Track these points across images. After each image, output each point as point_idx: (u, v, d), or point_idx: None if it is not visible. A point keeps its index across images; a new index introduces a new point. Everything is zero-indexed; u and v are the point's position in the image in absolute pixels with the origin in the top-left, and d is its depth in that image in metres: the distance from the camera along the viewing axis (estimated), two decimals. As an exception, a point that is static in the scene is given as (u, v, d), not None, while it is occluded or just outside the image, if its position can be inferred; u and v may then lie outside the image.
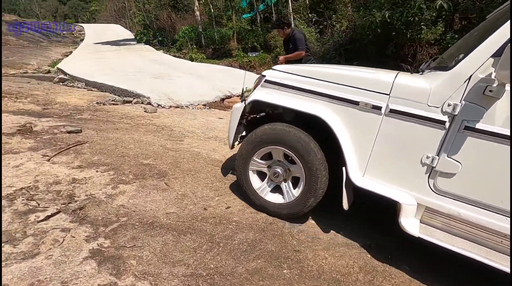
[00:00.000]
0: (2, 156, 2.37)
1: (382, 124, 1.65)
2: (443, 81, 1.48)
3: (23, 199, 1.85)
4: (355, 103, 1.70)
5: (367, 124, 1.69)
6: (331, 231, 2.01)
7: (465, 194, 1.53)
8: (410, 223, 1.63)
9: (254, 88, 2.14)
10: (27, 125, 3.15)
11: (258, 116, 2.41)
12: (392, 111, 1.60)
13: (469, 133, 1.44)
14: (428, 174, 1.60)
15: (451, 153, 1.51)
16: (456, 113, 1.45)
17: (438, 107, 1.50)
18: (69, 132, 3.11)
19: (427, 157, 1.56)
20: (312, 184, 1.85)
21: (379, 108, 1.63)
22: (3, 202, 1.81)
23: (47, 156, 2.49)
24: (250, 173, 2.12)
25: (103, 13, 34.10)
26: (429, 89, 1.51)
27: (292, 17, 10.00)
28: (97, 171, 2.38)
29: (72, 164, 2.43)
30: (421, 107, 1.53)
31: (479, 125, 1.42)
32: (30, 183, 2.05)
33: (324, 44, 9.25)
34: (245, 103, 2.12)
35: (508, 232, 1.45)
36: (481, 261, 1.46)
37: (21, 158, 2.38)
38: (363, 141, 1.72)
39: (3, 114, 3.42)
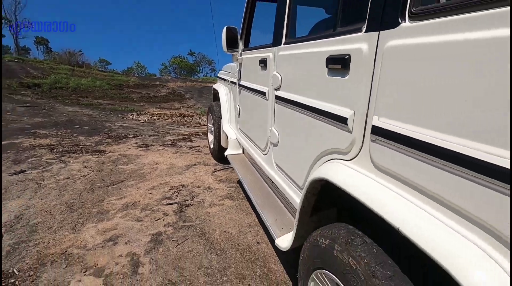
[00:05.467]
0: (206, 166, 3.87)
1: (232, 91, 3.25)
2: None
3: (175, 191, 3.03)
4: (226, 80, 3.47)
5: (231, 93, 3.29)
6: None
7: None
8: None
9: None
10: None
11: None
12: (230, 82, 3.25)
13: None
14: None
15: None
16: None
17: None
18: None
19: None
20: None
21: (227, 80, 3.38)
22: (173, 191, 3.07)
23: (215, 169, 3.69)
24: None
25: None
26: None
27: None
28: (226, 186, 3.17)
29: (219, 178, 3.42)
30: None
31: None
32: (188, 183, 3.25)
33: None
34: None
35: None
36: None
37: (201, 170, 3.74)
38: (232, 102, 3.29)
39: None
